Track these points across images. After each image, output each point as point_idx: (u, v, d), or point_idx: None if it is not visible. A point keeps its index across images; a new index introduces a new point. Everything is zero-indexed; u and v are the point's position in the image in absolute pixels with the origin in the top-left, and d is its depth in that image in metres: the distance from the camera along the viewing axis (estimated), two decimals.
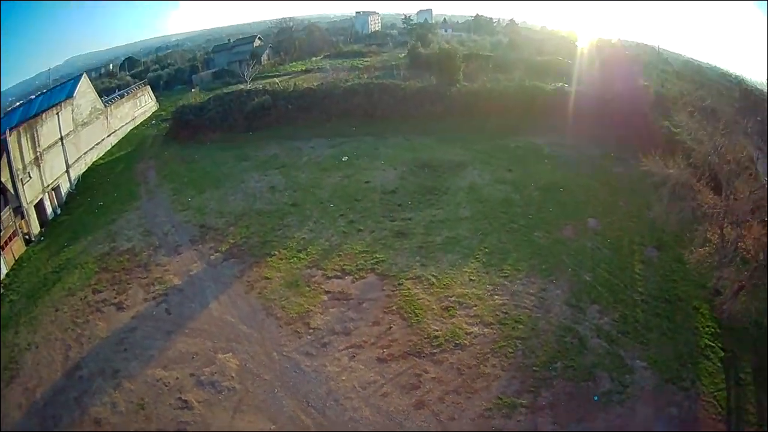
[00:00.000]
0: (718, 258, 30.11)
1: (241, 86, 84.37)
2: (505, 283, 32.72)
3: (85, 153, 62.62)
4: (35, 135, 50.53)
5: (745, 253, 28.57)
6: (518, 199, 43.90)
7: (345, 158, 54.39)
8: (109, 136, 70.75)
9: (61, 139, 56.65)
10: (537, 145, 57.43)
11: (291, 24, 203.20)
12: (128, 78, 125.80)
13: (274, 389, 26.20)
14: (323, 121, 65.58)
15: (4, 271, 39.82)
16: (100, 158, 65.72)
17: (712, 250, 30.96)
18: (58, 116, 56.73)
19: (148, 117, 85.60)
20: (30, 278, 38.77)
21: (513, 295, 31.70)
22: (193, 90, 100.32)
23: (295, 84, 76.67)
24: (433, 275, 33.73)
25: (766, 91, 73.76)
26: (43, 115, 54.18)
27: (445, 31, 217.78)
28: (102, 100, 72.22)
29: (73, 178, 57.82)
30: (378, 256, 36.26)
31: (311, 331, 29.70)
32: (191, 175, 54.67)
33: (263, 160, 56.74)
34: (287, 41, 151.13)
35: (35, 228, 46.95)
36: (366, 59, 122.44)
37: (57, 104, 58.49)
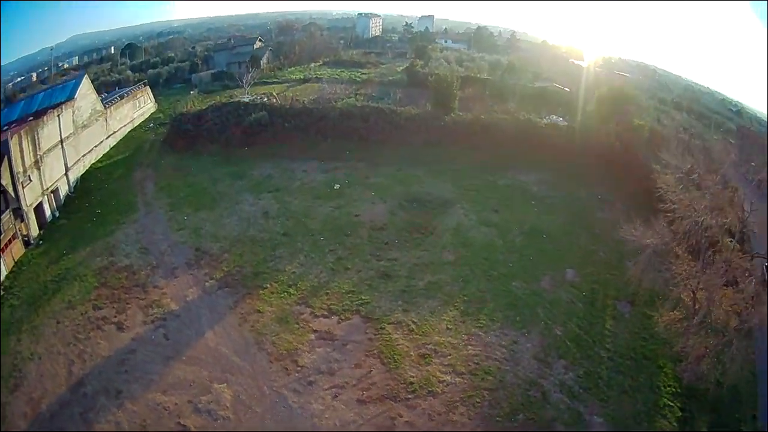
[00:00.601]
0: (688, 324, 32.70)
1: (239, 91, 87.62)
2: (480, 333, 35.81)
3: (83, 155, 64.83)
4: (36, 138, 52.72)
5: (714, 321, 30.99)
6: (501, 244, 47.06)
7: (337, 186, 57.37)
8: (108, 137, 72.91)
9: (61, 141, 58.78)
10: (525, 184, 60.98)
11: (293, 21, 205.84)
12: (128, 72, 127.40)
13: (264, 421, 29.23)
14: (318, 141, 68.34)
15: (4, 273, 42.51)
16: (99, 161, 68.05)
17: (683, 315, 33.75)
18: (59, 118, 58.76)
19: (147, 119, 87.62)
20: (30, 284, 41.46)
21: (486, 346, 34.79)
22: (192, 92, 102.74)
23: (292, 100, 79.35)
24: (413, 321, 36.77)
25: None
26: (45, 117, 56.26)
27: (445, 41, 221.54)
28: (101, 100, 74.26)
29: (71, 181, 60.24)
30: (363, 297, 39.20)
31: (299, 369, 32.67)
32: (188, 191, 57.35)
33: (258, 180, 59.53)
34: (288, 44, 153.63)
35: (34, 231, 49.50)
36: (364, 71, 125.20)
37: (58, 105, 60.76)
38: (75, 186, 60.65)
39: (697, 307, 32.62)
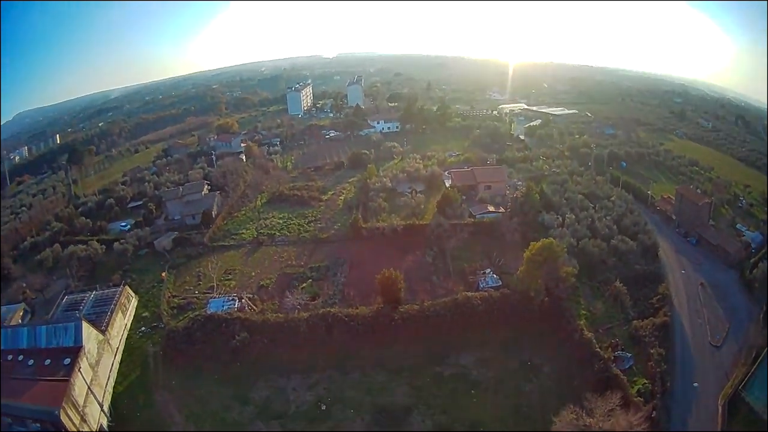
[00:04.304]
0: None
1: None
2: None
3: (105, 385, 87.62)
4: (73, 399, 74.72)
5: None
6: None
7: (323, 407, 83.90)
8: (114, 357, 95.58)
9: (89, 388, 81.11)
10: (466, 370, 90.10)
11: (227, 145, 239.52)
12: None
13: None
14: (295, 353, 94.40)
15: None
16: (118, 383, 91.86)
17: None
18: (81, 372, 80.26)
19: (133, 318, 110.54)
20: None
21: None
22: (163, 273, 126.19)
23: (263, 311, 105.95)
24: None
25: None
26: (72, 378, 77.07)
27: (377, 123, 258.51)
28: (94, 322, 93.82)
29: (107, 413, 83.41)
30: None
31: None
32: (211, 422, 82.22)
33: (261, 405, 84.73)
34: (232, 180, 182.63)
35: None
36: (308, 213, 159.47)
37: (75, 361, 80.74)
38: (111, 415, 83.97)
39: None
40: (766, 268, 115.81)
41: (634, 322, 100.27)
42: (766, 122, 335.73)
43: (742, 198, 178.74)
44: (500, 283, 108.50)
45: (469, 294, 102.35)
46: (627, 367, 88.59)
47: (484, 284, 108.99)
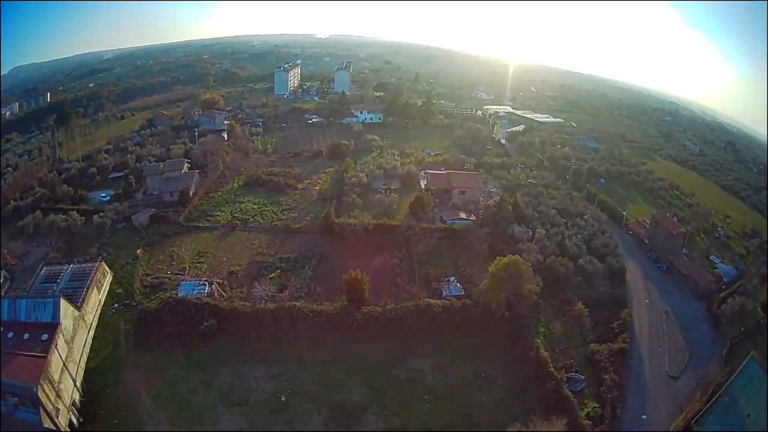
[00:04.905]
0: None
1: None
2: None
3: (78, 361, 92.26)
4: (50, 376, 78.81)
5: None
6: None
7: (283, 398, 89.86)
8: (87, 332, 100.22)
9: (64, 364, 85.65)
10: (422, 374, 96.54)
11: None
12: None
13: None
14: (260, 343, 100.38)
15: None
16: (90, 358, 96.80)
17: None
18: (57, 349, 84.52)
19: (107, 294, 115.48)
20: None
21: None
22: (138, 251, 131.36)
23: (230, 298, 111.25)
24: None
25: None
26: (49, 355, 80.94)
27: (360, 113, 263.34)
28: (70, 298, 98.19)
29: (80, 387, 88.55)
30: None
31: None
32: (177, 404, 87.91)
33: (225, 392, 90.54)
34: (212, 160, 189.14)
35: None
36: (283, 200, 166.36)
37: (53, 338, 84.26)
38: (84, 391, 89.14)
39: None
40: (737, 304, 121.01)
41: (592, 345, 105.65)
42: (760, 152, 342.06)
43: (720, 229, 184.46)
44: (463, 293, 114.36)
45: (431, 301, 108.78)
46: (579, 389, 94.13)
47: (447, 292, 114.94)
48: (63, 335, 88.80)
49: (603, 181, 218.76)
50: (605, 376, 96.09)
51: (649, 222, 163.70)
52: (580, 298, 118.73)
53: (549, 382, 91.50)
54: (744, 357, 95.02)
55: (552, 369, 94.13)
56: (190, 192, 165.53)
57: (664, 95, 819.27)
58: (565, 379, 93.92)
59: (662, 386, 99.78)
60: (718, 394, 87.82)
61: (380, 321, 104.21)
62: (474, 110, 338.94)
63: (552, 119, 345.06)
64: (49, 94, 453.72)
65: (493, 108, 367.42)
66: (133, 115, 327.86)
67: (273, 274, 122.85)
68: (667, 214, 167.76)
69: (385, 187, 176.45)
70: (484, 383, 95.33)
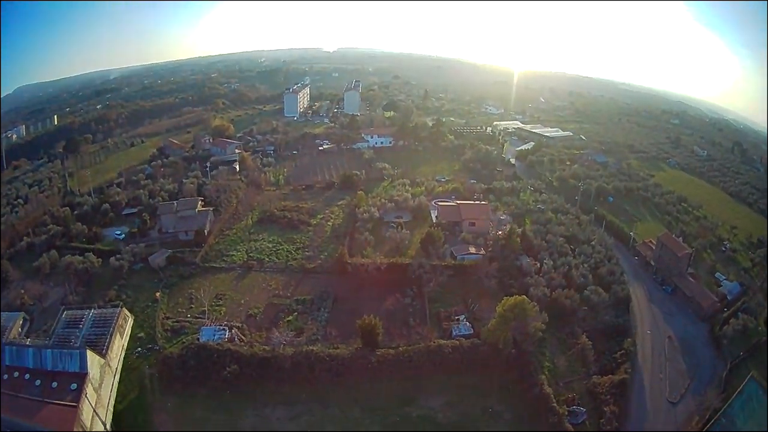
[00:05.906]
0: None
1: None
2: None
3: (107, 405, 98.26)
4: (82, 424, 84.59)
5: None
6: None
7: None
8: (114, 377, 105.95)
9: (95, 411, 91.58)
10: (433, 413, 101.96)
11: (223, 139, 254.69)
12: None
13: None
14: (280, 386, 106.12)
15: None
16: (117, 402, 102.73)
17: None
18: (86, 397, 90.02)
19: (129, 338, 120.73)
20: None
21: None
22: (157, 293, 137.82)
23: (251, 343, 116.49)
24: None
25: None
26: (80, 406, 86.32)
27: (371, 138, 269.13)
28: (95, 346, 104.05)
29: (110, 430, 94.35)
30: None
31: None
32: None
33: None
34: (225, 197, 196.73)
35: None
36: (296, 237, 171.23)
37: (82, 387, 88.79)
38: None
39: None
40: (739, 324, 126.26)
41: (594, 377, 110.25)
42: (765, 152, 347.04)
43: (726, 242, 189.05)
44: (472, 332, 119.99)
45: (442, 342, 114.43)
46: (580, 421, 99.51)
47: (457, 332, 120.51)
48: (91, 384, 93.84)
49: (611, 199, 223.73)
50: (605, 408, 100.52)
51: (655, 244, 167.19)
52: (585, 330, 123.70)
53: (551, 416, 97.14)
54: (744, 378, 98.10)
55: (554, 404, 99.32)
56: (205, 231, 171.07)
57: (671, 96, 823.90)
58: (566, 413, 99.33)
59: (661, 413, 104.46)
60: (714, 419, 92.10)
61: (393, 362, 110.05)
62: (483, 127, 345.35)
63: (561, 133, 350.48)
64: (56, 116, 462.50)
65: (502, 124, 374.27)
66: (143, 141, 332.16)
67: (290, 317, 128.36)
68: (673, 236, 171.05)
69: (397, 221, 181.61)
70: (491, 418, 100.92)
